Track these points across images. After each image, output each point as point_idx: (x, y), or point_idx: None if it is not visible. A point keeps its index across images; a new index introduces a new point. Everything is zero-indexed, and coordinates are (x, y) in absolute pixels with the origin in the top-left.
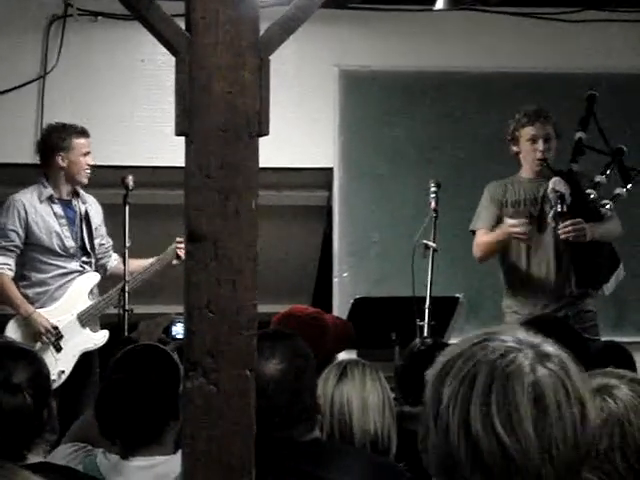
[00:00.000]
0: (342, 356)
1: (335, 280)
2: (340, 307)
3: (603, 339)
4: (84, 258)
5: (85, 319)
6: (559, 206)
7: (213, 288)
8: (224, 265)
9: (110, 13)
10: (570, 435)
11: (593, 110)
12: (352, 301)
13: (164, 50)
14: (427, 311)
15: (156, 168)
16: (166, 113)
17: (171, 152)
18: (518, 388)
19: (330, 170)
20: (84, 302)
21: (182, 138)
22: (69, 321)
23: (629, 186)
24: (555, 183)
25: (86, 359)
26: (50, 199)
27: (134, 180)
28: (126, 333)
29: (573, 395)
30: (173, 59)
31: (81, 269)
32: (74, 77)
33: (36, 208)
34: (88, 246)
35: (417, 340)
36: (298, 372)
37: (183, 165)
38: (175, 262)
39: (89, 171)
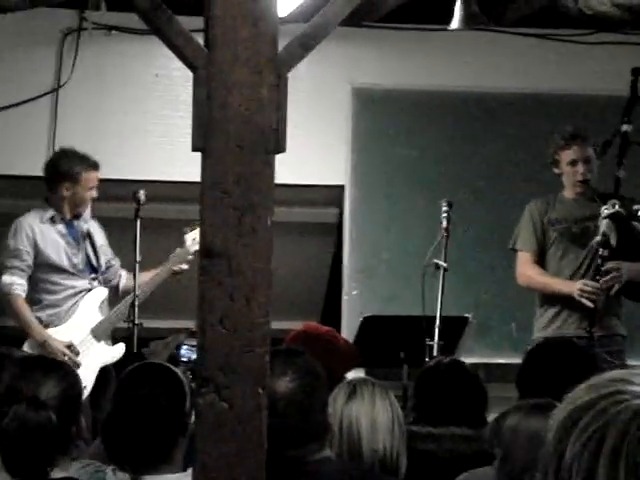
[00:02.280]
0: (351, 375)
1: (344, 298)
2: (349, 325)
3: None
4: (92, 275)
5: (99, 333)
6: (602, 250)
7: (227, 304)
8: (238, 281)
9: (125, 27)
10: None
11: None
12: (361, 319)
13: (178, 65)
14: (437, 330)
15: (168, 183)
16: (179, 128)
17: (184, 167)
18: None
19: (341, 188)
20: (96, 317)
21: (195, 153)
22: (84, 337)
23: None
24: (605, 225)
25: (103, 373)
26: (52, 220)
27: (146, 194)
28: (135, 347)
29: None
30: (187, 74)
31: (90, 287)
32: (88, 90)
33: (41, 229)
34: (94, 263)
35: (434, 358)
36: (309, 390)
37: (195, 180)
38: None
39: (90, 203)
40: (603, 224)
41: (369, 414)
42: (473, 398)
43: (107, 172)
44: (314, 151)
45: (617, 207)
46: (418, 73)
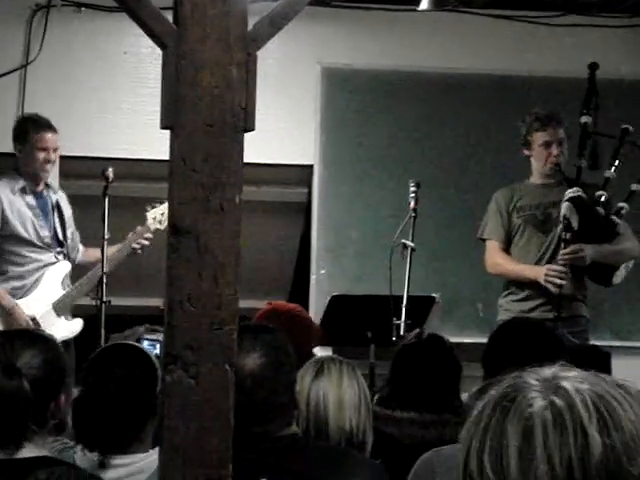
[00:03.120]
0: (319, 353)
1: (312, 277)
2: (317, 304)
3: None
4: (58, 249)
5: (60, 308)
6: (564, 234)
7: (195, 282)
8: (206, 259)
9: (94, 4)
10: (560, 473)
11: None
12: (329, 298)
13: (147, 42)
14: (404, 310)
15: (136, 160)
16: (148, 106)
17: (152, 145)
18: (510, 424)
19: (310, 167)
20: (58, 291)
21: (163, 131)
22: (46, 311)
23: None
24: (565, 208)
25: (63, 347)
26: (23, 190)
27: (114, 172)
28: (103, 324)
29: (571, 428)
30: (156, 52)
31: (55, 260)
32: (56, 67)
33: (10, 199)
34: (61, 236)
35: (412, 333)
36: (277, 367)
37: (163, 158)
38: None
39: (49, 166)
40: (563, 207)
41: (336, 392)
42: (448, 378)
43: (75, 149)
44: (283, 130)
45: (580, 193)
46: (387, 53)
